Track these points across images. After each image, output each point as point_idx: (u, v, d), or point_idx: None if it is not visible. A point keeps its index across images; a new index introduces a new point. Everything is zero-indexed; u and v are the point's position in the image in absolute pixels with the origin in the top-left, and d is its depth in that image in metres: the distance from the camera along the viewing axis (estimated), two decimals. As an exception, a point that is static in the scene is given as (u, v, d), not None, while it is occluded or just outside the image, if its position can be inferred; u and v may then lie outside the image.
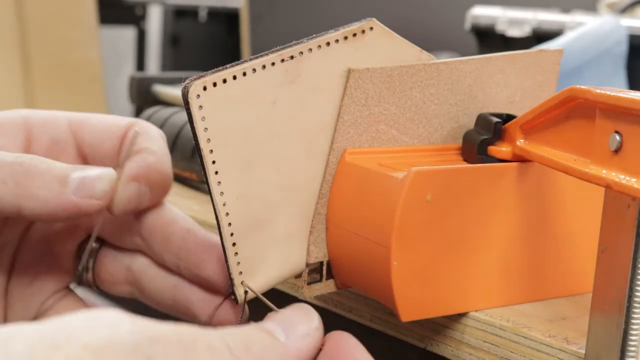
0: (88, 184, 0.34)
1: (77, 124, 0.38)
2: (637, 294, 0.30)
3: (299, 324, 0.29)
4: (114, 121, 0.38)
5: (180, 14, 2.57)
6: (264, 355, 0.27)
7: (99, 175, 0.34)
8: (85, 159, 0.38)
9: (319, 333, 0.29)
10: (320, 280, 0.38)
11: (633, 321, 0.30)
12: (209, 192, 0.33)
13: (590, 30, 0.72)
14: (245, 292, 0.35)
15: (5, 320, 0.37)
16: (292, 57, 0.34)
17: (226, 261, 0.34)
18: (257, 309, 0.36)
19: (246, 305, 0.35)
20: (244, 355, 0.26)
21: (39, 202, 0.33)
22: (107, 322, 0.24)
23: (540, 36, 0.88)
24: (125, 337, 0.23)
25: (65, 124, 0.38)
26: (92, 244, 0.38)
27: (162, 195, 0.37)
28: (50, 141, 0.37)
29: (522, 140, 0.36)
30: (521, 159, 0.36)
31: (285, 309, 0.31)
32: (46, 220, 0.37)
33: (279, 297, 0.43)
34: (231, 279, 0.35)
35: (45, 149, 0.37)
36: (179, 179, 0.57)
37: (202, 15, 2.58)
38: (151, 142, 0.36)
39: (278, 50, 0.34)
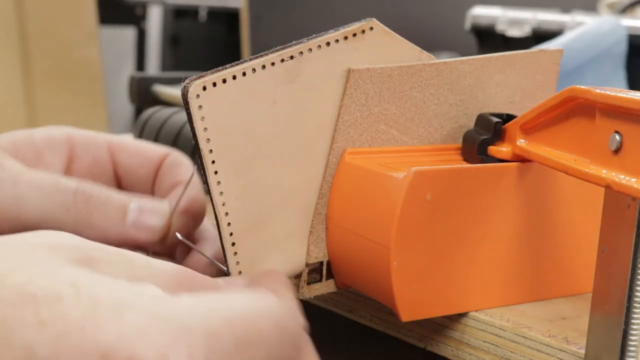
0: (146, 217, 0.36)
1: (116, 146, 0.40)
2: (637, 294, 0.29)
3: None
4: (150, 149, 0.40)
5: (180, 14, 2.57)
6: (204, 287, 0.27)
7: (157, 210, 0.36)
8: (119, 180, 0.40)
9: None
10: (320, 280, 0.38)
11: (633, 321, 0.30)
12: (208, 192, 0.33)
13: (589, 30, 0.72)
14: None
15: None
16: (292, 57, 0.34)
17: (225, 261, 0.34)
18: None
19: None
20: (187, 281, 0.26)
21: (98, 232, 0.35)
22: (54, 232, 0.26)
23: (540, 36, 0.88)
24: (67, 240, 0.25)
25: (105, 145, 0.40)
26: None
27: (200, 223, 0.39)
28: (91, 161, 0.39)
29: (522, 140, 0.36)
30: (521, 159, 0.36)
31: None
32: None
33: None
34: (231, 279, 0.35)
35: (86, 169, 0.38)
36: (179, 179, 0.57)
37: (202, 15, 2.58)
38: (189, 174, 0.39)
39: (278, 50, 0.34)
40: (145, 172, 0.39)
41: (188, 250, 0.39)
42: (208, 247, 0.39)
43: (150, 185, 0.39)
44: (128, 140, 0.41)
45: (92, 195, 0.35)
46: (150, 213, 0.36)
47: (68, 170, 0.39)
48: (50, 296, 0.23)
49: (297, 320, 0.28)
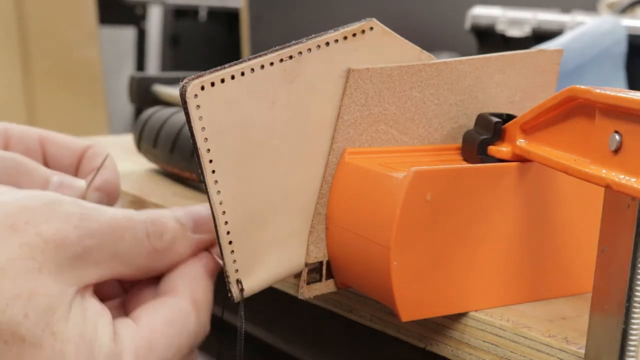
0: (65, 189, 0.41)
1: (46, 139, 0.45)
2: (637, 294, 0.29)
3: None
4: (74, 142, 0.45)
5: (180, 14, 2.57)
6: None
7: (74, 185, 0.41)
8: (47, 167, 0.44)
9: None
10: (320, 280, 0.38)
11: (633, 321, 0.30)
12: (205, 190, 0.33)
13: (589, 30, 0.72)
14: (241, 290, 0.35)
15: None
16: (291, 57, 0.34)
17: (222, 259, 0.34)
18: (251, 306, 0.36)
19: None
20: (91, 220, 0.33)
21: None
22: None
23: (540, 36, 0.88)
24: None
25: (37, 137, 0.44)
26: None
27: (114, 202, 0.45)
28: (24, 150, 0.43)
29: (522, 140, 0.36)
30: (521, 159, 0.36)
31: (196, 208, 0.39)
32: None
33: (280, 297, 0.43)
34: (227, 277, 0.35)
35: (20, 154, 0.42)
36: (179, 179, 0.57)
37: (202, 15, 2.58)
38: (106, 160, 0.44)
39: (277, 50, 0.34)
40: (69, 162, 0.44)
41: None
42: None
43: (74, 173, 0.45)
44: (57, 134, 0.45)
45: (21, 163, 0.40)
46: (68, 187, 0.41)
47: None
48: (34, 343, 0.30)
49: (206, 330, 0.37)
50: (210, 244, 0.39)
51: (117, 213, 0.34)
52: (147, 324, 0.34)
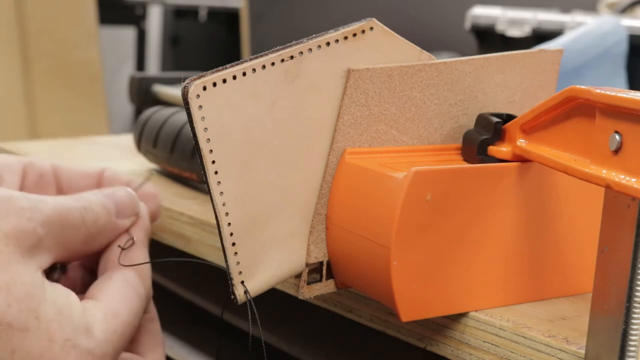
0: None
1: (57, 166, 0.46)
2: (637, 294, 0.29)
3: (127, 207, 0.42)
4: (86, 167, 0.47)
5: (180, 14, 2.57)
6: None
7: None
8: (62, 193, 0.45)
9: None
10: (320, 280, 0.38)
11: (633, 321, 0.30)
12: (208, 192, 0.33)
13: (590, 30, 0.72)
14: (245, 292, 0.35)
15: None
16: (292, 57, 0.34)
17: (226, 261, 0.34)
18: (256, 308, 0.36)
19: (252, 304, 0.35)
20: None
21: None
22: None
23: (540, 36, 0.88)
24: (17, 223, 0.34)
25: (49, 164, 0.46)
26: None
27: (155, 219, 0.47)
28: (38, 176, 0.45)
29: (522, 140, 0.36)
30: (521, 159, 0.36)
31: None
32: None
33: (280, 297, 0.43)
34: (230, 279, 0.35)
35: (35, 182, 0.44)
36: (179, 179, 0.57)
37: (202, 15, 2.58)
38: (126, 183, 0.46)
39: (278, 50, 0.34)
40: (87, 183, 0.46)
41: None
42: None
43: None
44: (68, 163, 0.47)
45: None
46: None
47: (22, 186, 0.44)
48: (21, 328, 0.32)
49: (151, 293, 0.41)
50: (129, 226, 0.42)
51: (57, 203, 0.37)
52: (106, 297, 0.38)
